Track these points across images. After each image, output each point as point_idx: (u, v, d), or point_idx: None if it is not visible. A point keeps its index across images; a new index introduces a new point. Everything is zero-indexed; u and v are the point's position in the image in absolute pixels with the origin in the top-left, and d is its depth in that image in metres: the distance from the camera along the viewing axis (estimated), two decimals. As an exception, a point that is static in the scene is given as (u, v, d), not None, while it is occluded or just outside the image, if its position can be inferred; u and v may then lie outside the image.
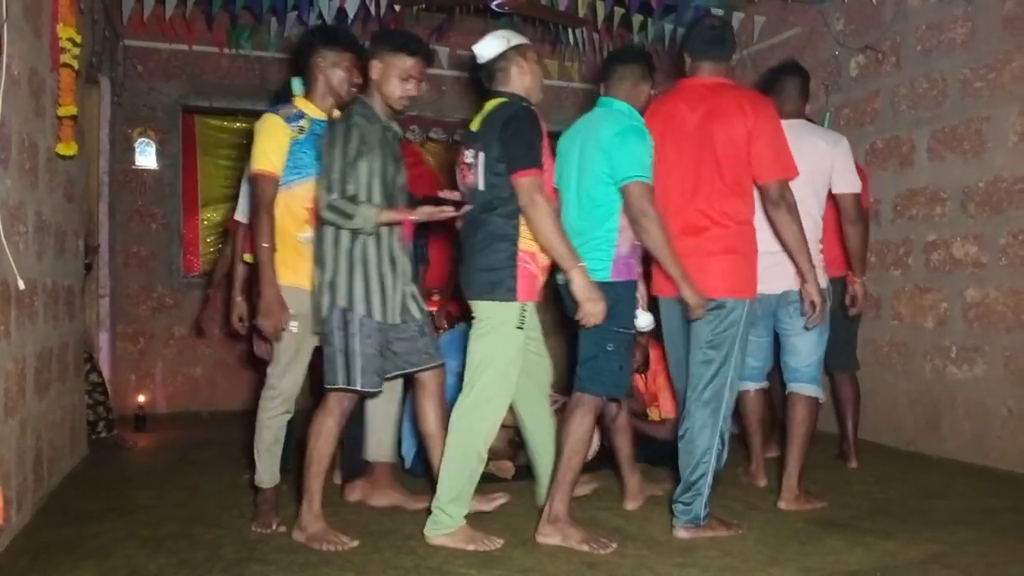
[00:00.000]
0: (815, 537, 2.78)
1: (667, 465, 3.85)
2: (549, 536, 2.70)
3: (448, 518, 2.66)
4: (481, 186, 2.65)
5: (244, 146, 6.19)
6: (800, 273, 2.80)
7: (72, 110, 3.23)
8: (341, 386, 2.66)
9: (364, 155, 2.61)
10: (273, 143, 2.78)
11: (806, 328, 2.99)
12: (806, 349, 3.15)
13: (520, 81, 2.71)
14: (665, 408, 3.88)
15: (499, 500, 2.94)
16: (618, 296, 2.68)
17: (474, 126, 2.75)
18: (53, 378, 3.41)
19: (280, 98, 3.08)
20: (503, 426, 2.87)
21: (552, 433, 2.95)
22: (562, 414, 3.88)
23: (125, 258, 5.64)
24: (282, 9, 5.08)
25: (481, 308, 2.69)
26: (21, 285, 2.76)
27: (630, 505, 3.19)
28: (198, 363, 5.79)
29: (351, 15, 4.84)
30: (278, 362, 2.87)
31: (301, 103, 2.89)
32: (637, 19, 5.19)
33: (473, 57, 2.77)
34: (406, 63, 2.68)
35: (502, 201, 2.62)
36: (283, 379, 2.86)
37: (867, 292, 3.36)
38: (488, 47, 2.72)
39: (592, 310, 2.56)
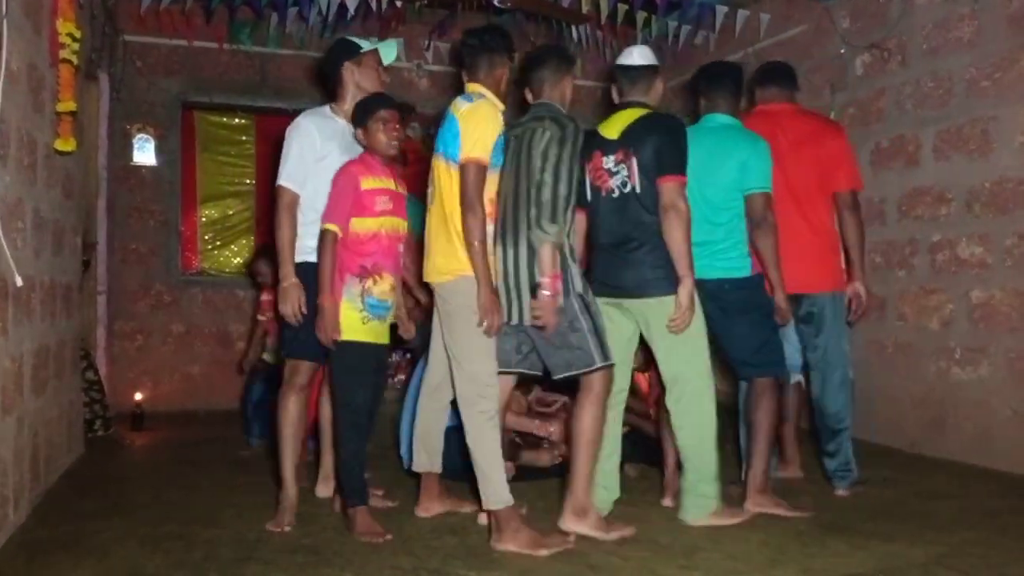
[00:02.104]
0: (817, 539, 2.76)
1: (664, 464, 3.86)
2: (762, 506, 3.01)
3: (709, 500, 2.88)
4: (638, 189, 2.80)
5: (244, 143, 6.24)
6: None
7: (71, 106, 3.21)
8: (600, 365, 2.66)
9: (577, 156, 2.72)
10: (492, 133, 2.67)
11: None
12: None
13: (655, 94, 2.96)
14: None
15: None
16: (761, 286, 3.02)
17: (611, 133, 2.87)
18: (50, 376, 3.39)
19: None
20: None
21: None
22: (559, 413, 3.86)
23: (123, 255, 5.61)
24: (282, 4, 5.05)
25: (663, 305, 2.76)
26: (19, 282, 2.75)
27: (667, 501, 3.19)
28: (196, 361, 5.76)
29: (351, 11, 4.81)
30: (472, 359, 2.68)
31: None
32: (641, 16, 5.16)
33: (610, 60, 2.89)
34: (574, 70, 2.90)
35: (656, 202, 2.78)
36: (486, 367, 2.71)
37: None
38: (644, 54, 2.94)
39: (690, 319, 2.75)
